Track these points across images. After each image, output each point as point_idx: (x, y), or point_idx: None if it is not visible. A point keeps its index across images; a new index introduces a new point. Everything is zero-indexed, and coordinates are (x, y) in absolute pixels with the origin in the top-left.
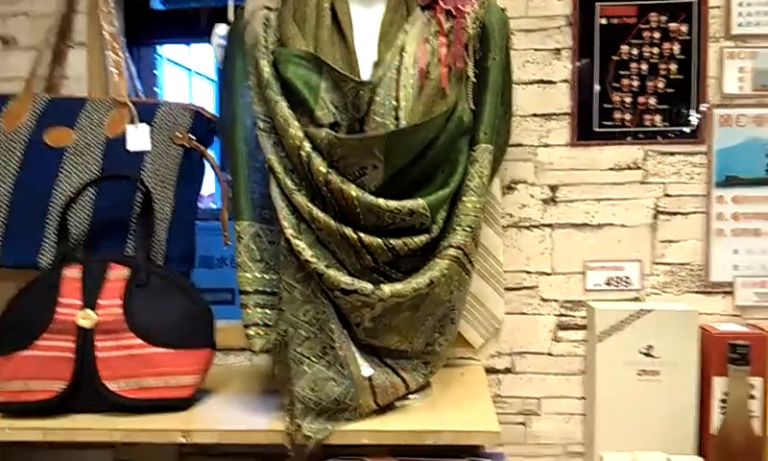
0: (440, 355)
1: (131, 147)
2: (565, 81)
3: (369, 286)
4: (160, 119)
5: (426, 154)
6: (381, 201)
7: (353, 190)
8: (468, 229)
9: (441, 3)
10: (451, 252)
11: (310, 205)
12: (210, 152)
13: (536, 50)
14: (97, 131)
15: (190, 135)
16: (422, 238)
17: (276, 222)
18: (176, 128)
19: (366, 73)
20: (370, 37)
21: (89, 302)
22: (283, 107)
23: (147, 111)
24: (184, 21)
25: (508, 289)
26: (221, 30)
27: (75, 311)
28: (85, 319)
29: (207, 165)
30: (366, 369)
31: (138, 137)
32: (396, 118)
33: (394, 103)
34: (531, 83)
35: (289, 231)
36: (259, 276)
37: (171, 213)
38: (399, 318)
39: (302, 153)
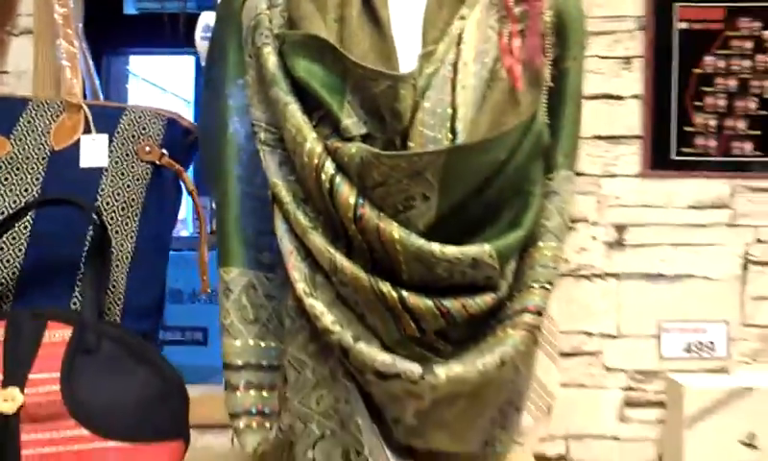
0: (500, 458)
1: (84, 163)
2: (636, 96)
3: (416, 369)
4: (124, 128)
5: (493, 182)
6: (435, 246)
7: (395, 230)
8: (547, 286)
9: None
10: (527, 318)
11: (332, 249)
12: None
13: (601, 57)
14: (40, 140)
15: (162, 150)
16: (487, 299)
17: (282, 271)
18: (144, 139)
19: (407, 69)
20: (409, 22)
21: (14, 376)
22: (295, 111)
23: (107, 118)
24: (159, 27)
25: (563, 355)
26: (208, 19)
27: None
28: (7, 401)
29: (184, 188)
30: None
31: (94, 150)
32: (453, 131)
33: (449, 111)
34: (595, 97)
35: (300, 286)
36: (253, 343)
37: (133, 250)
38: (453, 411)
39: (323, 175)
